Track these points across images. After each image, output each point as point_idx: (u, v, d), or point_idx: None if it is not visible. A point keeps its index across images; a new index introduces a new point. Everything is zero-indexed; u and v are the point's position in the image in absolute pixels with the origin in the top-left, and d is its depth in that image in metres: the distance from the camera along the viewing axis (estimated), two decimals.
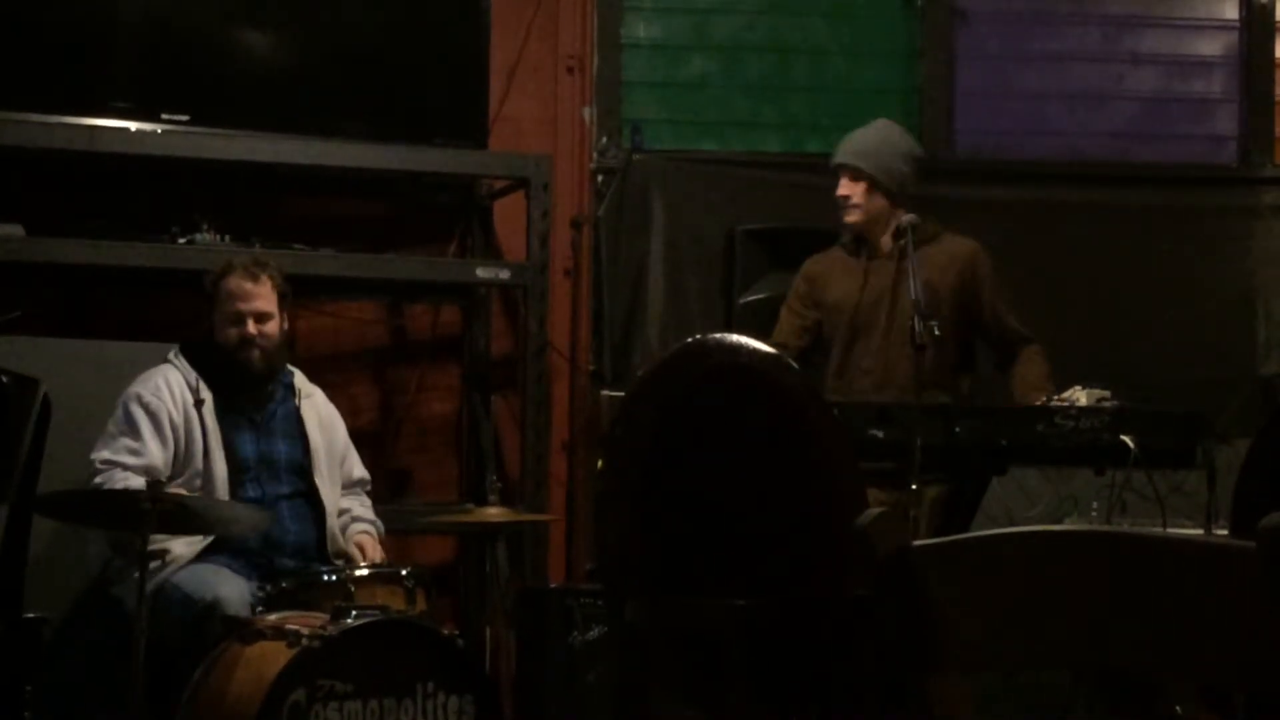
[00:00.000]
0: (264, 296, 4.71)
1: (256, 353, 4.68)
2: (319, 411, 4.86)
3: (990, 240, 5.23)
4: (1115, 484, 4.22)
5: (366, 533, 4.78)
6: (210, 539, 4.47)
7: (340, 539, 4.72)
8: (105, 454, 4.53)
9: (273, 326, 4.71)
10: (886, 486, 4.27)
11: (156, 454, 4.52)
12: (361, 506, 4.86)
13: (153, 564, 4.23)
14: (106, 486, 4.44)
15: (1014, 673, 4.22)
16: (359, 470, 4.93)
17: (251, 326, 4.67)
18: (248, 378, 4.70)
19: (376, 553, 4.71)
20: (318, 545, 4.67)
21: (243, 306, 4.68)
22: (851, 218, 5.01)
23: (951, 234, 5.07)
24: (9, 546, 4.29)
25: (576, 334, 6.03)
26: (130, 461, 4.50)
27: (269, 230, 5.36)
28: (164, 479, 4.43)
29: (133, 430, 4.54)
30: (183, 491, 4.45)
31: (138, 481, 4.41)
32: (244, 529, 4.47)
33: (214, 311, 4.71)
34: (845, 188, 5.01)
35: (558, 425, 5.89)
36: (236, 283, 4.69)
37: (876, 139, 5.09)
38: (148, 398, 4.57)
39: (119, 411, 4.59)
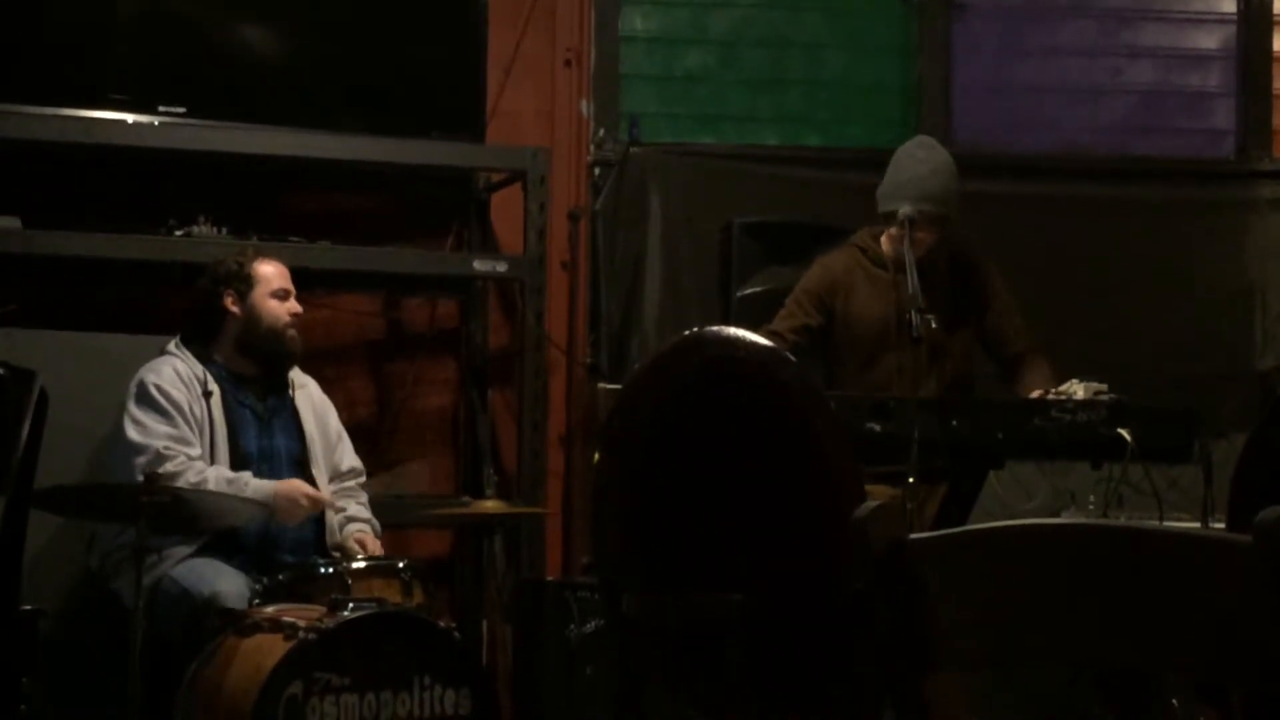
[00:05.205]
0: (290, 280, 4.82)
1: (295, 332, 4.76)
2: (313, 402, 4.85)
3: (987, 235, 5.22)
4: (1112, 478, 4.21)
5: (364, 531, 4.76)
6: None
7: (337, 532, 4.72)
8: (147, 439, 4.46)
9: None
10: (899, 485, 4.25)
11: (197, 444, 4.51)
12: (358, 505, 4.83)
13: (150, 558, 4.21)
14: (183, 477, 4.37)
15: (1010, 669, 4.21)
16: (349, 460, 4.90)
17: (294, 304, 4.76)
18: (284, 359, 4.75)
19: (376, 549, 4.70)
20: (316, 539, 4.66)
21: (286, 285, 4.78)
22: (921, 255, 4.73)
23: (953, 244, 5.00)
24: (6, 539, 4.29)
25: (574, 327, 6.02)
26: (191, 453, 4.47)
27: (266, 223, 5.36)
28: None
29: (168, 419, 4.50)
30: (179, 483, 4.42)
31: (215, 473, 4.43)
32: (241, 521, 4.45)
33: (247, 296, 4.72)
34: (932, 235, 4.80)
35: (555, 418, 5.89)
36: (272, 265, 4.79)
37: (949, 175, 4.88)
38: (167, 387, 4.54)
39: (140, 397, 4.53)
